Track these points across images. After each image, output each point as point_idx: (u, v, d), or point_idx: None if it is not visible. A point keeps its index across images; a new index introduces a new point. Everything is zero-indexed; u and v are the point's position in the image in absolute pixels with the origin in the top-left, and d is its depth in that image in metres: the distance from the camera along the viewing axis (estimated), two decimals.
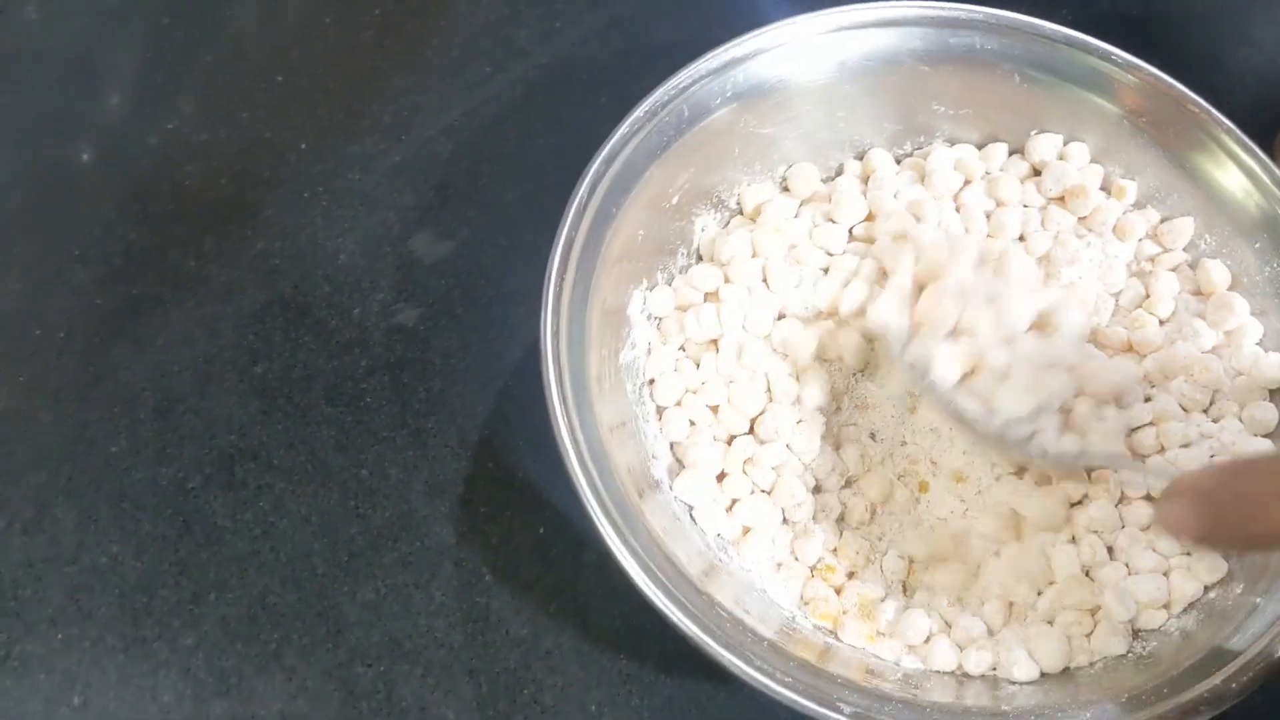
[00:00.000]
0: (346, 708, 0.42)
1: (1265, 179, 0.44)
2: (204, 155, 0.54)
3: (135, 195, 0.52)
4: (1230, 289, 0.45)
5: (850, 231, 0.47)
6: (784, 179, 0.48)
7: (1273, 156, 0.45)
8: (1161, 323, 0.45)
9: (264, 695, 0.42)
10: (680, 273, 0.46)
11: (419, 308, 0.50)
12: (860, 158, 0.49)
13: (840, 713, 0.34)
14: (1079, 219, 0.47)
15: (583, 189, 0.41)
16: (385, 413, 0.47)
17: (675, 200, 0.45)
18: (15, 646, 0.43)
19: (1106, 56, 0.46)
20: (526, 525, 0.45)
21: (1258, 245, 0.44)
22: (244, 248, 0.51)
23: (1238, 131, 0.45)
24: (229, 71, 0.56)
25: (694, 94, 0.44)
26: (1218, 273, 0.45)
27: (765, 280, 0.45)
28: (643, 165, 0.43)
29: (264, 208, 0.52)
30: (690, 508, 0.42)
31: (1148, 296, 0.46)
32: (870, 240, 0.46)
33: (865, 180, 0.48)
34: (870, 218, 0.47)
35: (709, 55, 0.44)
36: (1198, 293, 0.46)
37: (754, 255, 0.46)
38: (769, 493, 0.42)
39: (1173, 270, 0.46)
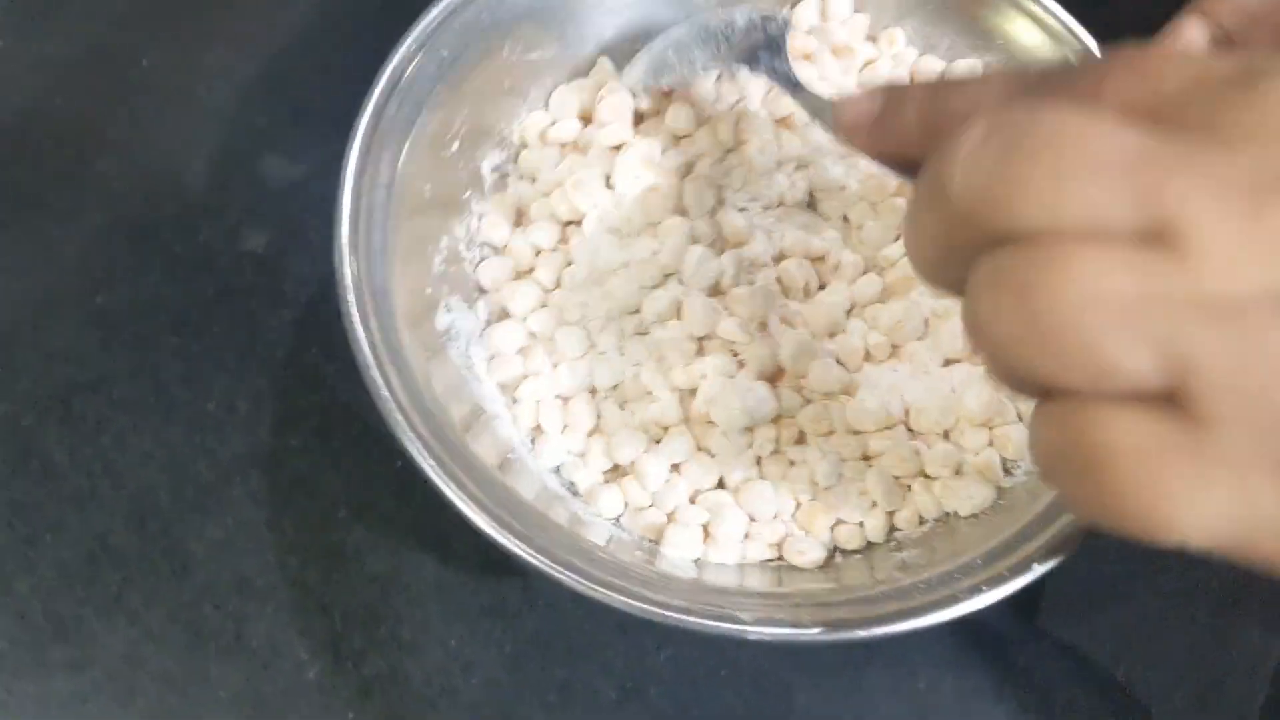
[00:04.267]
0: (194, 650, 0.40)
1: (1060, 30, 0.43)
2: (41, 70, 0.50)
3: None
4: None
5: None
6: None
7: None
8: None
9: (106, 640, 0.40)
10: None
11: (270, 232, 0.47)
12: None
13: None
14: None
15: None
16: (234, 342, 0.45)
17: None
18: None
19: None
20: (384, 457, 0.43)
21: None
22: (84, 168, 0.48)
23: None
24: None
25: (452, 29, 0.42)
26: None
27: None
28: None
29: (106, 125, 0.49)
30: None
31: None
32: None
33: None
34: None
35: None
36: None
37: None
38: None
39: None
